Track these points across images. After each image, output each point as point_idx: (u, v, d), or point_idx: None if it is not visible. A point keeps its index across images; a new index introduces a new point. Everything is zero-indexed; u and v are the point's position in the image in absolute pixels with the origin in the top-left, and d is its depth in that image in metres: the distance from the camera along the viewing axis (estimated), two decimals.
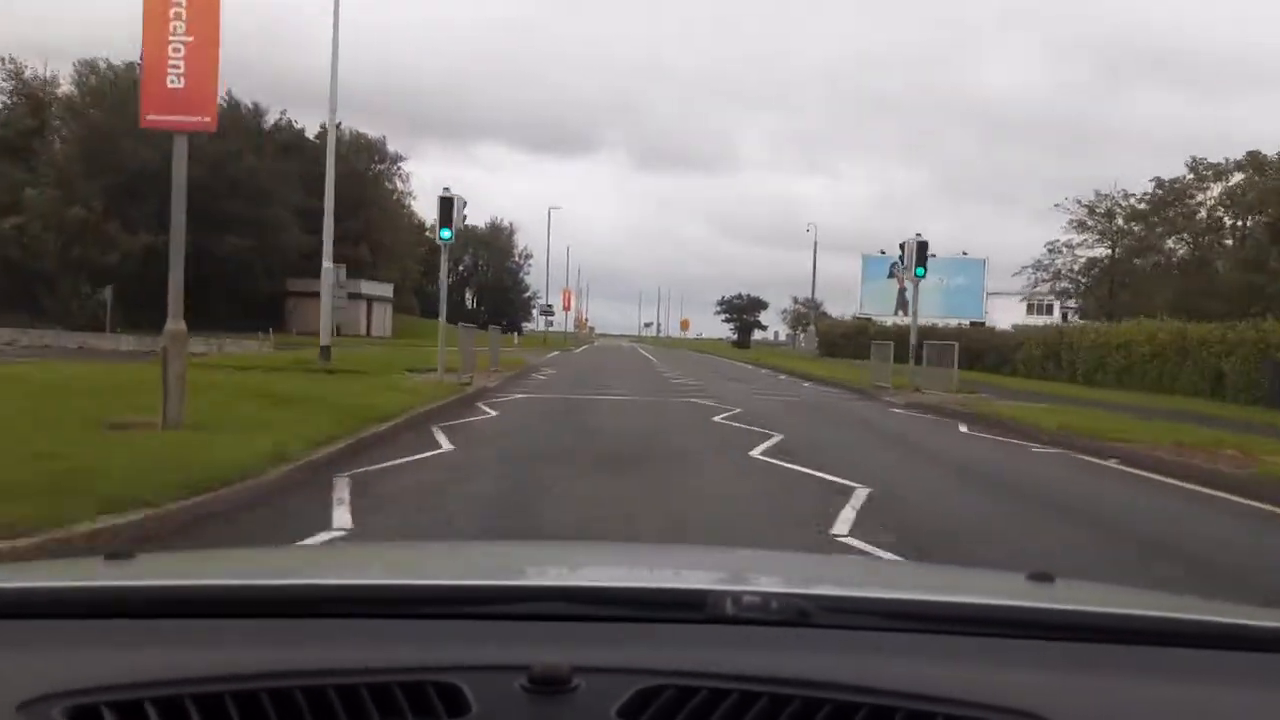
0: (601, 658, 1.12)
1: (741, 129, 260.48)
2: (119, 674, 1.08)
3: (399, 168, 75.39)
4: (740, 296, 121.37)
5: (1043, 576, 1.59)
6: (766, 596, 1.30)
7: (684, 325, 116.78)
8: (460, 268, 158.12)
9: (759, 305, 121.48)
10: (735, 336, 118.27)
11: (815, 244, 60.62)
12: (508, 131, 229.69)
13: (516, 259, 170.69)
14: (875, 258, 62.57)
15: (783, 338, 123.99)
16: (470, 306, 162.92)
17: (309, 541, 5.93)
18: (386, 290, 67.33)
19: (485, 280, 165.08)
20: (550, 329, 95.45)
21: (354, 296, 62.94)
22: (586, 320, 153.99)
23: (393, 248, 69.69)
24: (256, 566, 1.89)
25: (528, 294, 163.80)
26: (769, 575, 1.86)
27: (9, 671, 1.11)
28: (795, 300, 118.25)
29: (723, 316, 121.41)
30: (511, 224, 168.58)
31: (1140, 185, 51.46)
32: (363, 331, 62.09)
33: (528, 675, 1.06)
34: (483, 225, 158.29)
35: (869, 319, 58.77)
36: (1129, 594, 1.99)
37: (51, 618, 1.25)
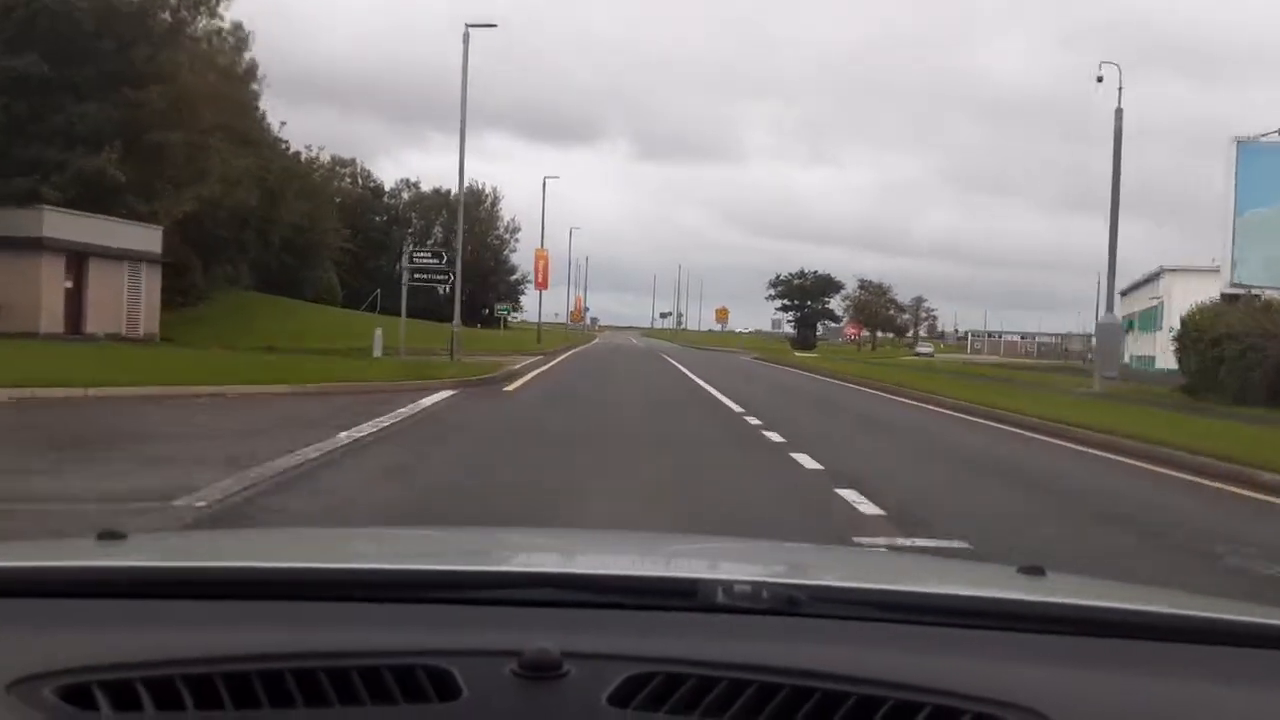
0: (592, 644, 1.12)
1: (747, 117, 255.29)
2: (110, 654, 1.08)
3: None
4: (803, 275, 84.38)
5: (1033, 569, 1.55)
6: (757, 585, 1.29)
7: (721, 315, 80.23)
8: (429, 241, 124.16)
9: (829, 287, 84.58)
10: (795, 331, 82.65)
11: (1116, 164, 23.92)
12: (509, 122, 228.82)
13: (501, 233, 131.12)
14: (1266, 146, 26.84)
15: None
16: (442, 292, 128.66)
17: None
18: (143, 239, 31.69)
19: (462, 258, 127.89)
20: (510, 316, 59.96)
21: (16, 244, 27.78)
22: (586, 310, 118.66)
23: (192, 156, 33.82)
24: (248, 549, 1.91)
25: (515, 276, 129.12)
26: (760, 564, 1.83)
27: (0, 651, 1.10)
28: (861, 285, 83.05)
29: (778, 304, 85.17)
30: (495, 190, 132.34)
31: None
32: (36, 326, 26.59)
33: (518, 660, 1.06)
34: (457, 189, 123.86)
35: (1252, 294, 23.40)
36: (1120, 588, 1.95)
37: (43, 597, 1.23)
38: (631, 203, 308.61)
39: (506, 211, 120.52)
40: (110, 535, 1.52)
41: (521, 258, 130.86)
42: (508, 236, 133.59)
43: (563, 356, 35.20)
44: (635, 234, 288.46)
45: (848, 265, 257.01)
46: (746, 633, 1.20)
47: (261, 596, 1.24)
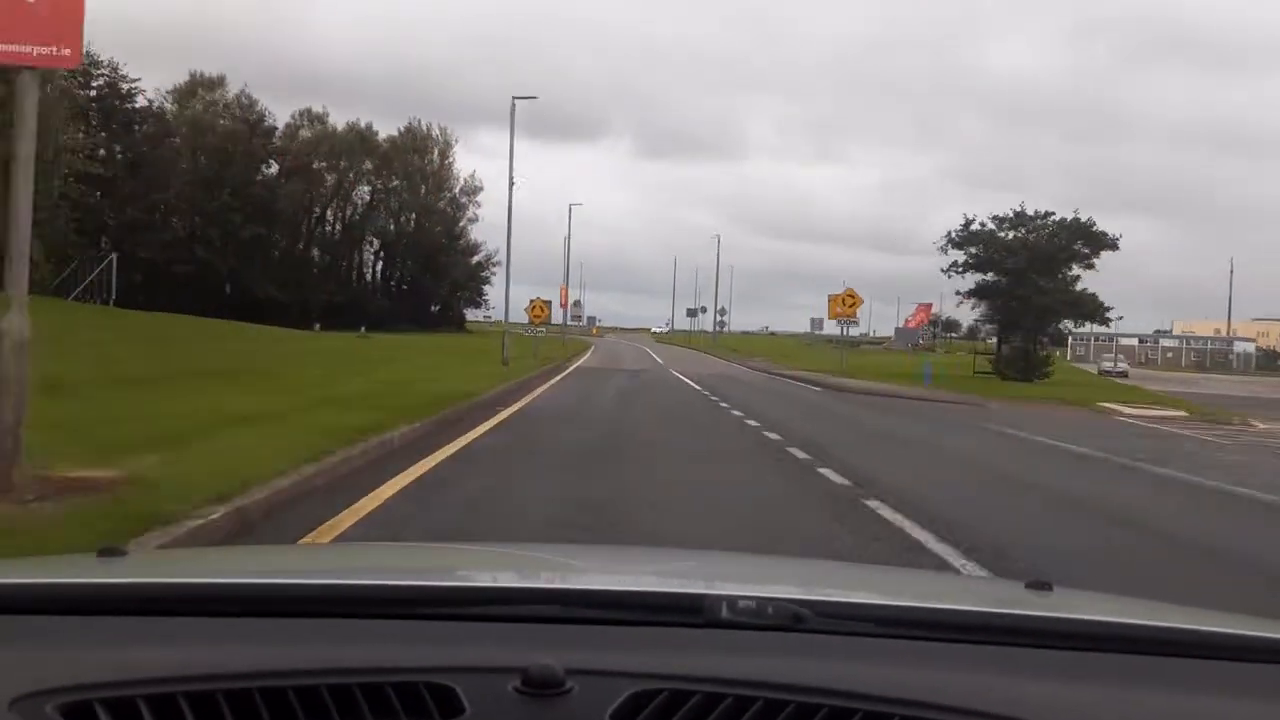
0: (596, 661, 1.12)
1: (752, 114, 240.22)
2: (112, 671, 1.08)
3: None
4: (1021, 218, 37.33)
5: (1040, 585, 1.55)
6: (762, 601, 1.28)
7: (847, 306, 38.37)
8: (345, 205, 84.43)
9: (1088, 244, 37.88)
10: (996, 342, 38.20)
11: None
12: (508, 119, 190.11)
13: (456, 195, 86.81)
14: None
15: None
16: (371, 279, 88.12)
17: None
18: None
19: (400, 234, 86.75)
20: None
21: None
22: (577, 304, 79.73)
23: None
24: (250, 565, 1.86)
25: (477, 259, 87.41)
26: (765, 580, 1.82)
27: (2, 668, 1.10)
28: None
29: (969, 281, 38.34)
30: (445, 130, 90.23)
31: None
32: None
33: (521, 677, 1.05)
34: (394, 131, 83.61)
35: None
36: (1126, 603, 1.89)
37: (45, 614, 1.23)
38: (634, 201, 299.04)
39: (456, 137, 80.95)
40: (110, 551, 1.51)
41: (485, 230, 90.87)
42: (465, 201, 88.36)
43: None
44: (638, 233, 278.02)
45: (853, 266, 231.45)
46: (752, 649, 1.18)
47: (263, 613, 1.23)
